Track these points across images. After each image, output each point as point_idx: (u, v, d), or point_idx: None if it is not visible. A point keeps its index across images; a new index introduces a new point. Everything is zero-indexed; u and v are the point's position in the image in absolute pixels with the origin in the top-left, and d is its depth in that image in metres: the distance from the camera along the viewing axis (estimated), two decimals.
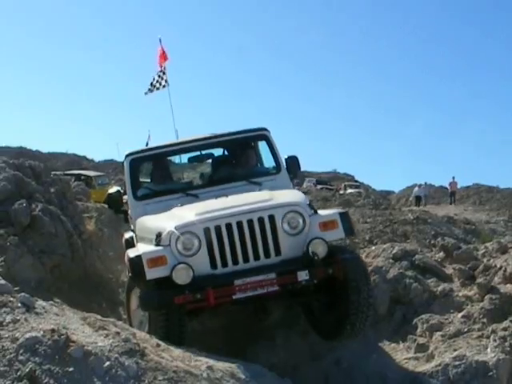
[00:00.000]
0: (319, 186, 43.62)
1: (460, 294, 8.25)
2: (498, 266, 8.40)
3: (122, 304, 9.66)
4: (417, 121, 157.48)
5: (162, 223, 6.98)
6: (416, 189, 41.08)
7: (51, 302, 5.80)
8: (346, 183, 52.04)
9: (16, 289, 5.68)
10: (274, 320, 8.64)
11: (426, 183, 43.41)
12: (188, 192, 7.93)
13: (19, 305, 5.15)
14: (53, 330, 4.78)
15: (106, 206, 13.29)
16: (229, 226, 6.69)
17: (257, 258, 6.75)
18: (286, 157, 8.38)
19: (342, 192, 42.25)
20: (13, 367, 4.46)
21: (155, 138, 11.78)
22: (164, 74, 11.36)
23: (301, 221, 6.86)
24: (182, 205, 7.32)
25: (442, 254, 9.39)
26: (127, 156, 8.28)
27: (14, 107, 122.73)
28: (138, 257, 6.63)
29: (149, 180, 8.71)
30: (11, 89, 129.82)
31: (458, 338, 7.49)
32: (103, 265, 11.04)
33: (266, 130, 8.46)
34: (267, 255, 6.77)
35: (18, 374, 4.43)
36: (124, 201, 8.59)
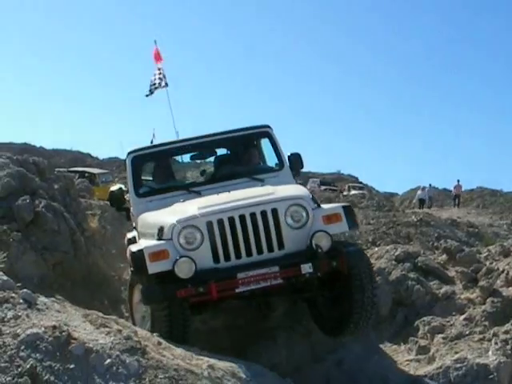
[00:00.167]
0: (323, 187, 43.53)
1: (462, 296, 8.26)
2: (501, 269, 8.40)
3: (124, 302, 9.65)
4: (421, 123, 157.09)
5: (164, 218, 6.98)
6: (419, 191, 41.01)
7: (53, 299, 5.79)
8: (350, 184, 52.00)
9: (18, 285, 5.67)
10: (277, 320, 8.63)
11: (430, 185, 43.33)
12: (190, 189, 7.92)
13: (21, 301, 5.14)
14: (54, 327, 4.78)
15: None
16: (231, 220, 6.68)
17: (260, 251, 6.74)
18: (289, 154, 8.36)
19: (345, 193, 42.27)
20: (14, 363, 4.46)
21: (158, 139, 11.72)
22: (161, 74, 11.36)
23: (304, 214, 6.85)
24: (184, 201, 7.31)
25: (444, 256, 9.39)
26: (129, 154, 8.28)
27: (19, 103, 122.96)
28: (140, 251, 6.62)
29: (151, 178, 8.71)
30: (16, 85, 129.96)
31: (460, 340, 7.50)
32: (106, 262, 11.03)
33: (268, 127, 8.45)
34: (270, 249, 6.76)
35: (19, 370, 4.42)
36: (127, 198, 8.58)
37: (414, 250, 9.65)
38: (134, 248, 6.96)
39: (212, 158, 9.01)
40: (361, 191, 44.87)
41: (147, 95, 11.72)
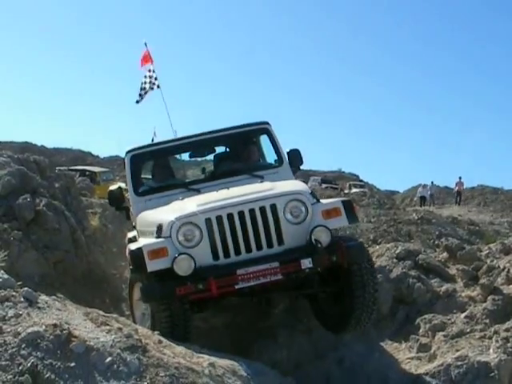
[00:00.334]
0: (324, 185, 43.53)
1: (463, 294, 8.25)
2: (502, 266, 8.40)
3: (124, 300, 9.67)
4: (422, 121, 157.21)
5: (163, 216, 6.97)
6: (420, 189, 40.99)
7: (54, 297, 5.79)
8: (351, 182, 52.05)
9: (19, 283, 5.68)
10: (277, 318, 8.63)
11: (432, 183, 43.31)
12: (189, 187, 7.91)
13: (22, 299, 5.14)
14: (55, 325, 4.78)
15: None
16: (230, 216, 6.67)
17: (259, 247, 6.73)
18: (288, 150, 8.35)
19: (346, 191, 42.30)
20: (15, 362, 4.46)
21: (159, 137, 11.70)
22: (152, 77, 11.31)
23: (303, 209, 6.83)
24: (182, 198, 7.31)
25: (445, 254, 9.38)
26: (128, 152, 8.27)
27: (20, 102, 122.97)
28: (139, 249, 6.61)
29: (150, 176, 8.70)
30: (17, 83, 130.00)
31: (461, 338, 7.49)
32: (107, 261, 11.05)
33: (267, 123, 8.45)
34: (270, 245, 6.75)
35: (20, 368, 4.42)
36: (127, 197, 8.58)
37: (414, 247, 9.63)
38: (133, 246, 6.96)
39: (211, 156, 8.99)
40: (362, 189, 44.84)
41: (138, 101, 11.66)
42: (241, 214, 6.69)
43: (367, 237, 13.06)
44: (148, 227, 7.21)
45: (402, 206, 38.90)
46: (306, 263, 6.59)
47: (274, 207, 6.76)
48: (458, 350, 7.22)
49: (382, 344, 8.16)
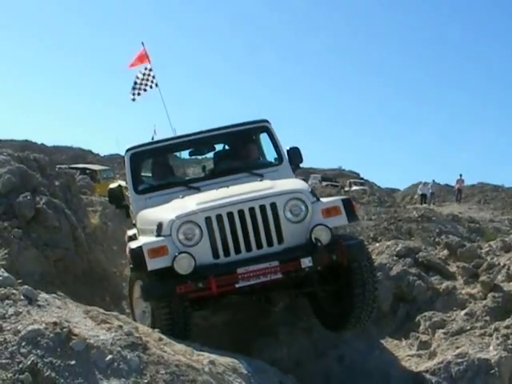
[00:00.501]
0: (324, 183, 43.57)
1: (463, 291, 8.25)
2: (502, 264, 8.40)
3: (125, 298, 9.66)
4: (423, 119, 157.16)
5: (163, 214, 6.96)
6: (421, 186, 41.00)
7: (54, 295, 5.78)
8: (351, 180, 52.09)
9: (19, 281, 5.68)
10: (278, 316, 8.64)
11: (434, 181, 43.30)
12: (189, 185, 7.91)
13: (22, 297, 5.14)
14: (55, 323, 4.78)
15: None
16: (230, 215, 6.66)
17: (259, 246, 6.72)
18: (288, 148, 8.35)
19: (347, 189, 42.36)
20: (15, 360, 4.46)
21: (159, 135, 11.69)
22: (150, 75, 11.31)
23: (303, 208, 6.83)
24: (183, 197, 7.31)
25: (445, 251, 9.38)
26: (128, 150, 8.26)
27: (20, 100, 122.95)
28: (139, 247, 6.60)
29: (150, 174, 8.70)
30: (17, 82, 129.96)
31: (461, 335, 7.50)
32: (107, 259, 11.03)
33: (267, 121, 8.44)
34: (270, 243, 6.74)
35: (20, 366, 4.42)
36: (127, 195, 8.58)
37: (415, 245, 9.64)
38: (133, 245, 6.96)
39: (211, 154, 8.98)
40: (362, 187, 44.90)
41: (133, 99, 11.65)
42: (241, 213, 6.68)
43: (367, 234, 13.08)
44: (148, 225, 7.20)
45: (402, 203, 38.92)
46: (306, 262, 6.58)
47: (274, 206, 6.76)
48: (458, 348, 7.23)
49: (382, 341, 8.17)
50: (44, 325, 4.75)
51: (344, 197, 7.48)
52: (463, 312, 7.86)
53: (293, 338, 8.34)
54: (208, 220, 6.65)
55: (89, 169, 27.88)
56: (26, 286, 5.33)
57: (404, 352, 7.79)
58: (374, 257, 8.79)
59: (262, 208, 6.72)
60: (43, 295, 5.48)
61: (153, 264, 6.49)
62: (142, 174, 8.61)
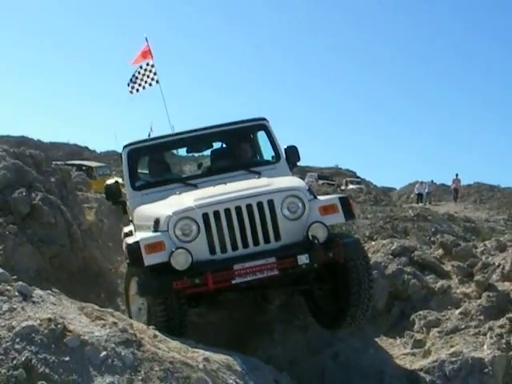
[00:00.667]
0: (321, 182, 43.52)
1: (458, 290, 8.28)
2: (497, 263, 8.43)
3: (120, 295, 9.66)
4: (420, 119, 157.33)
5: (160, 210, 6.96)
6: (418, 185, 41.05)
7: (49, 292, 5.77)
8: (348, 179, 52.05)
9: (14, 278, 5.67)
10: (273, 314, 8.64)
11: (432, 181, 43.34)
12: (187, 182, 7.92)
13: (16, 293, 5.13)
14: (49, 320, 4.77)
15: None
16: (227, 212, 6.67)
17: (256, 243, 6.73)
18: (286, 147, 8.36)
19: (343, 187, 42.36)
20: (9, 356, 4.45)
21: (156, 132, 11.65)
22: (151, 72, 11.29)
23: (300, 205, 6.83)
24: (180, 193, 7.31)
25: (440, 250, 9.40)
26: (125, 147, 8.27)
27: (17, 96, 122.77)
28: (136, 243, 6.60)
29: (147, 171, 8.70)
30: (14, 79, 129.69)
31: (455, 334, 7.52)
32: (102, 255, 11.03)
33: (264, 119, 8.45)
34: (267, 240, 6.75)
35: (14, 362, 4.42)
36: (123, 192, 8.58)
37: (410, 244, 9.65)
38: (129, 240, 6.96)
39: (208, 151, 8.98)
40: (358, 186, 44.90)
41: (131, 91, 11.62)
42: (238, 210, 6.69)
43: (363, 233, 13.07)
44: (145, 221, 7.21)
45: (398, 202, 38.98)
46: (303, 259, 6.59)
47: (271, 203, 6.76)
48: (452, 346, 7.25)
49: (377, 340, 8.19)
50: (38, 321, 4.75)
51: (341, 195, 7.49)
52: (458, 311, 7.88)
53: (288, 336, 8.35)
54: (205, 216, 6.66)
55: (85, 165, 27.89)
56: (20, 283, 5.32)
57: (398, 350, 7.81)
58: (369, 255, 8.79)
59: (260, 205, 6.73)
60: (38, 291, 5.47)
61: (149, 259, 6.48)
62: (139, 170, 8.62)
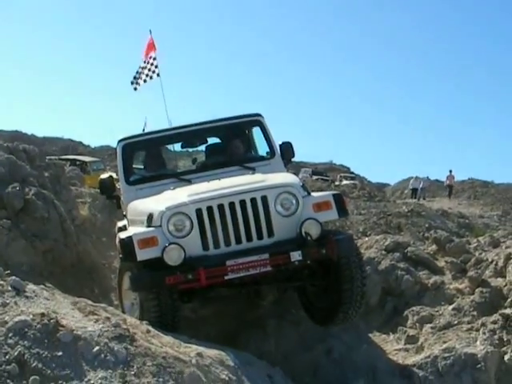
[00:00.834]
0: (315, 177, 43.46)
1: (451, 286, 8.29)
2: (490, 259, 8.44)
3: (113, 290, 9.66)
4: (414, 115, 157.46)
5: (154, 205, 6.96)
6: (413, 181, 41.11)
7: (42, 286, 5.78)
8: (342, 174, 52.06)
9: (7, 272, 5.67)
10: (266, 309, 8.65)
11: (428, 177, 43.40)
12: (181, 177, 7.92)
13: (9, 288, 5.14)
14: (42, 314, 4.77)
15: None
16: (221, 207, 6.66)
17: (249, 239, 6.72)
18: (280, 143, 8.36)
19: (337, 183, 42.30)
20: (1, 350, 4.45)
21: (151, 126, 11.60)
22: (153, 65, 11.25)
23: (294, 202, 6.83)
24: (174, 188, 7.31)
25: (434, 246, 9.42)
26: (120, 141, 8.27)
27: (11, 90, 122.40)
28: (129, 238, 6.59)
29: (141, 166, 8.70)
30: (8, 72, 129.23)
31: (448, 330, 7.54)
32: (96, 250, 11.02)
33: (259, 115, 8.45)
34: (260, 236, 6.74)
35: (7, 357, 4.42)
36: (117, 186, 8.57)
37: (403, 240, 9.67)
38: (123, 235, 6.95)
39: (203, 147, 8.98)
40: (352, 181, 44.87)
41: (135, 88, 11.60)
42: (231, 205, 6.68)
43: (357, 229, 13.10)
44: (138, 216, 7.21)
45: (392, 198, 39.04)
46: (296, 256, 6.59)
47: (264, 199, 6.76)
48: (445, 342, 7.26)
49: (370, 335, 8.20)
50: (31, 316, 4.75)
51: (335, 192, 7.50)
52: (451, 307, 7.89)
53: (281, 331, 8.36)
54: (199, 212, 6.65)
55: (79, 160, 27.82)
56: (13, 277, 5.32)
57: (391, 346, 7.83)
58: (362, 251, 8.83)
59: (253, 201, 6.73)
60: (31, 286, 5.48)
61: (142, 254, 6.49)
62: (134, 165, 8.61)
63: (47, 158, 13.49)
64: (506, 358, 6.90)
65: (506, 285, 7.91)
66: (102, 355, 4.67)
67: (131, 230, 7.05)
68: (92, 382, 4.44)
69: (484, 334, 7.12)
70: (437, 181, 51.63)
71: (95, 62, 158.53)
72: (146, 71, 11.35)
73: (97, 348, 4.70)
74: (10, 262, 8.07)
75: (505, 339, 7.06)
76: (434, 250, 9.32)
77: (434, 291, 8.33)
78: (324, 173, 50.77)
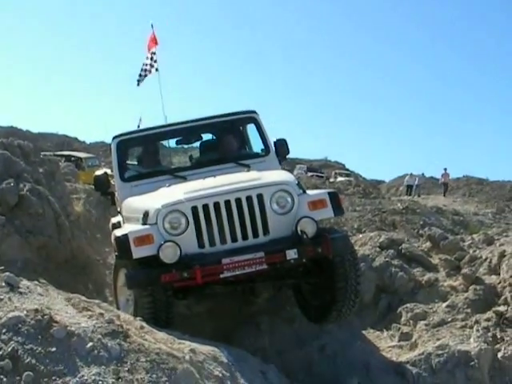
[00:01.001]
0: (310, 174, 43.53)
1: (445, 284, 8.32)
2: (484, 257, 8.47)
3: (108, 286, 9.66)
4: (409, 112, 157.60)
5: (149, 202, 6.95)
6: (408, 178, 41.16)
7: (36, 282, 5.77)
8: (337, 171, 52.09)
9: (1, 268, 5.66)
10: (260, 306, 8.65)
11: (423, 174, 43.44)
12: (176, 174, 7.91)
13: (3, 284, 5.13)
14: (36, 310, 4.77)
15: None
16: (217, 205, 6.65)
17: (245, 237, 6.72)
18: (275, 140, 8.36)
19: (332, 180, 42.31)
20: None
21: (147, 122, 11.58)
22: (153, 59, 11.23)
23: (289, 200, 6.82)
24: (169, 185, 7.30)
25: (428, 243, 9.43)
26: (115, 138, 8.25)
27: (5, 86, 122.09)
28: (125, 235, 6.58)
29: (136, 162, 8.69)
30: (2, 67, 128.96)
31: (442, 327, 7.56)
32: (90, 246, 11.01)
33: (254, 112, 8.45)
34: (255, 234, 6.74)
35: (0, 353, 4.41)
36: (112, 183, 8.56)
37: (398, 237, 9.69)
38: (118, 232, 6.94)
39: (197, 143, 8.97)
40: (347, 178, 44.92)
41: (138, 84, 11.60)
42: (227, 203, 6.67)
43: (352, 225, 13.13)
44: (134, 213, 7.20)
45: (387, 195, 39.00)
46: (291, 254, 6.58)
47: (260, 197, 6.75)
48: (438, 339, 7.28)
49: (363, 332, 8.22)
50: (25, 312, 4.75)
51: (330, 190, 7.50)
52: (445, 304, 7.92)
53: (275, 328, 8.37)
54: (194, 209, 6.64)
55: (74, 156, 27.74)
56: (7, 273, 5.32)
57: (385, 343, 7.84)
58: (357, 248, 8.83)
59: (249, 199, 6.72)
60: (25, 282, 5.47)
61: (138, 252, 6.48)
62: (129, 161, 8.60)
63: (42, 153, 13.48)
64: (500, 355, 6.93)
65: (499, 282, 7.94)
66: (96, 351, 4.66)
67: (127, 228, 7.04)
68: (85, 377, 4.44)
69: (478, 331, 7.14)
70: (432, 178, 51.70)
71: (91, 58, 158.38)
72: (144, 66, 11.33)
73: (90, 344, 4.69)
74: (4, 257, 8.04)
75: (498, 336, 7.09)
76: (428, 247, 9.34)
77: (427, 288, 8.35)
78: (319, 169, 50.83)
